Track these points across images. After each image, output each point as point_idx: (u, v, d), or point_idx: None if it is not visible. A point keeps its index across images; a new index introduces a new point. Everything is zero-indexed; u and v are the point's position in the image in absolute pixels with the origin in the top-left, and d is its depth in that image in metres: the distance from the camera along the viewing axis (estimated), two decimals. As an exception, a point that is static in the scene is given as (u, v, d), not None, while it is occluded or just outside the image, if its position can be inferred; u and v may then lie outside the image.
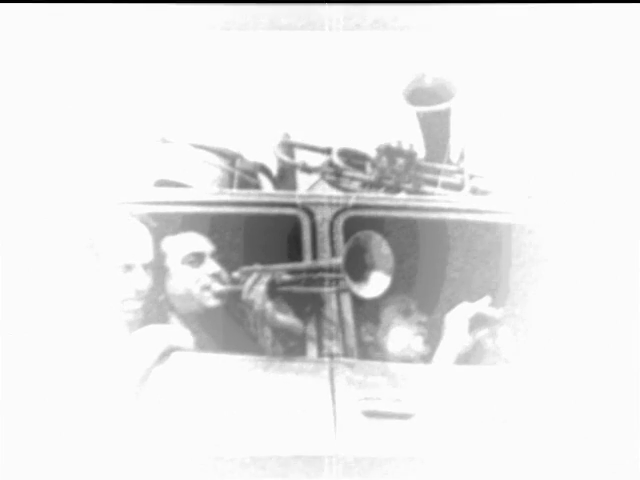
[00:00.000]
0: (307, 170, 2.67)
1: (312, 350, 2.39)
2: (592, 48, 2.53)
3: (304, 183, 2.69)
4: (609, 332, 2.42)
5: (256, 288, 2.34)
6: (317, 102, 2.65)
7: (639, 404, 2.39)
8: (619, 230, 2.46)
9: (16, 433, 2.35)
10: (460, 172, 2.68)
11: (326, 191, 2.64)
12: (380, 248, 2.37)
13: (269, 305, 2.35)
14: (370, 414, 2.32)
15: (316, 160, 2.67)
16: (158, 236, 2.46)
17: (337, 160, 2.65)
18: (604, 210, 2.48)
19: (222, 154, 2.66)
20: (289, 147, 2.69)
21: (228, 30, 2.59)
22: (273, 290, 2.35)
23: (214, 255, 2.48)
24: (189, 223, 2.49)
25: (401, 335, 2.50)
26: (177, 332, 2.42)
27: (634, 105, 2.51)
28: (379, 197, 2.57)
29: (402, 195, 2.63)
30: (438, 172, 2.68)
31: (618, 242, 2.46)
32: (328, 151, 2.67)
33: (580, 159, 2.53)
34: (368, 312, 2.48)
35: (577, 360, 2.40)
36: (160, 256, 2.46)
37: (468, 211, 2.54)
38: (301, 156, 2.68)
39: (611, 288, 2.44)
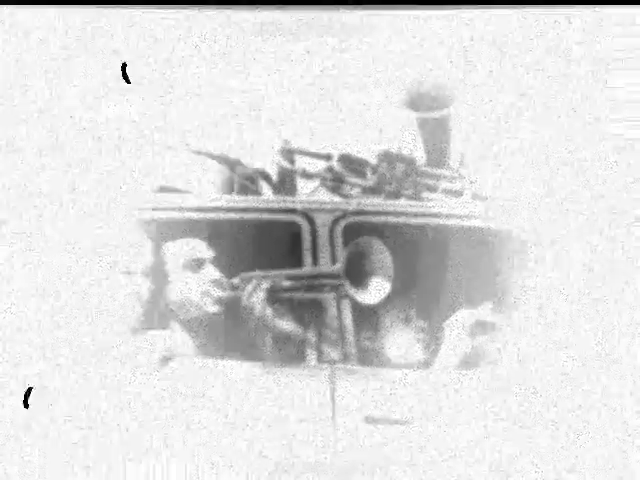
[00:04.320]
0: (307, 176, 2.67)
1: (312, 356, 2.38)
2: (591, 54, 2.53)
3: (304, 189, 2.69)
4: (608, 335, 2.42)
5: (256, 294, 2.34)
6: (317, 108, 2.65)
7: (637, 403, 2.39)
8: (617, 235, 2.47)
9: (16, 434, 2.36)
10: (460, 178, 2.68)
11: (326, 197, 2.64)
12: (380, 254, 2.36)
13: (269, 311, 2.34)
14: (370, 420, 2.32)
15: (316, 166, 2.67)
16: (158, 242, 2.47)
17: (337, 166, 2.65)
18: (602, 216, 2.48)
19: (222, 160, 2.66)
20: (289, 153, 2.69)
21: (229, 37, 2.60)
22: (273, 296, 2.35)
23: (214, 261, 2.48)
24: (189, 229, 2.49)
25: (401, 341, 2.50)
26: (177, 338, 2.43)
27: (633, 109, 2.51)
28: (379, 203, 2.57)
29: (402, 201, 2.64)
30: (438, 178, 2.68)
31: (616, 247, 2.46)
32: (328, 157, 2.67)
33: (580, 166, 2.53)
34: (368, 318, 2.48)
35: (575, 365, 2.40)
36: (160, 262, 2.46)
37: (468, 217, 2.54)
38: (301, 162, 2.69)
39: (609, 292, 2.44)
